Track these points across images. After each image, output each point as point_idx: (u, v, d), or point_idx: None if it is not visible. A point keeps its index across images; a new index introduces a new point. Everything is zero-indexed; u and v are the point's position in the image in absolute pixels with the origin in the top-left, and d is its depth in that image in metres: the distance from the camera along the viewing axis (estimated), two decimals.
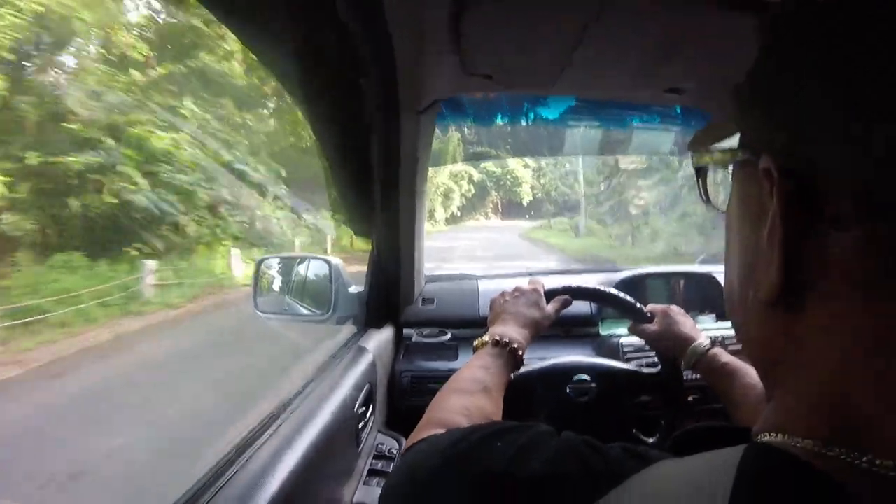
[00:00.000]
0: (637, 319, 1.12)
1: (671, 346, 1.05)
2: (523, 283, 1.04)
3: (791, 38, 0.31)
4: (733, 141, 0.37)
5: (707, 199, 0.42)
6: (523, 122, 1.38)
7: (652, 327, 1.08)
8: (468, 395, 0.74)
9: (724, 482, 0.28)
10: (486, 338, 0.89)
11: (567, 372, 1.12)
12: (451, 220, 31.67)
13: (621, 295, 1.13)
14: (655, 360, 1.18)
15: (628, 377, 1.15)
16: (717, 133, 0.38)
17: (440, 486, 0.43)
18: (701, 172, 0.41)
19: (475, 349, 0.89)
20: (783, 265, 0.30)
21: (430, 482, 0.44)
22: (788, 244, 0.30)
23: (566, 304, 1.06)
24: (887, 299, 0.26)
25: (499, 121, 1.36)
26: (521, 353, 0.88)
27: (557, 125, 1.47)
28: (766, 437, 0.31)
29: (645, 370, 1.16)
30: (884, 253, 0.26)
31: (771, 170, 0.30)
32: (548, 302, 1.03)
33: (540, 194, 34.12)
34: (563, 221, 26.51)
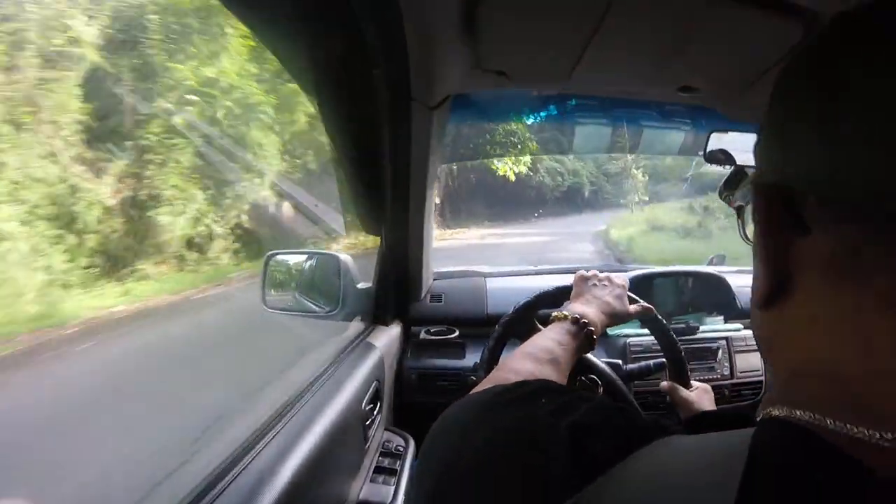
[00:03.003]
0: (678, 379, 1.12)
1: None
2: (532, 280, 1.03)
3: (780, 93, 0.37)
4: None
5: (744, 236, 0.48)
6: (535, 120, 1.37)
7: (686, 393, 1.08)
8: (538, 363, 0.76)
9: (740, 451, 0.31)
10: (566, 312, 0.90)
11: (583, 365, 1.12)
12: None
13: (683, 352, 1.14)
14: (663, 361, 1.18)
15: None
16: (749, 178, 0.45)
17: (483, 426, 0.45)
18: (740, 213, 0.48)
19: (552, 321, 0.90)
20: (768, 270, 0.36)
21: (474, 422, 0.46)
22: (769, 252, 0.36)
23: (647, 314, 1.06)
24: (852, 293, 0.31)
25: (511, 118, 1.35)
26: (595, 336, 0.88)
27: (569, 123, 1.46)
28: (774, 412, 0.35)
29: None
30: (847, 251, 0.31)
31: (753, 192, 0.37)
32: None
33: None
34: None
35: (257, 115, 8.38)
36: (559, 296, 1.14)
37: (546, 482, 0.38)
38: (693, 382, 1.13)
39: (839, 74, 0.32)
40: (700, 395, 1.08)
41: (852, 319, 0.31)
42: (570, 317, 0.88)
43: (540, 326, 1.14)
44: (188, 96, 7.85)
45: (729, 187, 0.70)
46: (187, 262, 8.05)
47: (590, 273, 1.05)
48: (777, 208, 0.34)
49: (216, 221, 8.36)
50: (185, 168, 7.82)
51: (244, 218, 8.63)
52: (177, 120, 7.66)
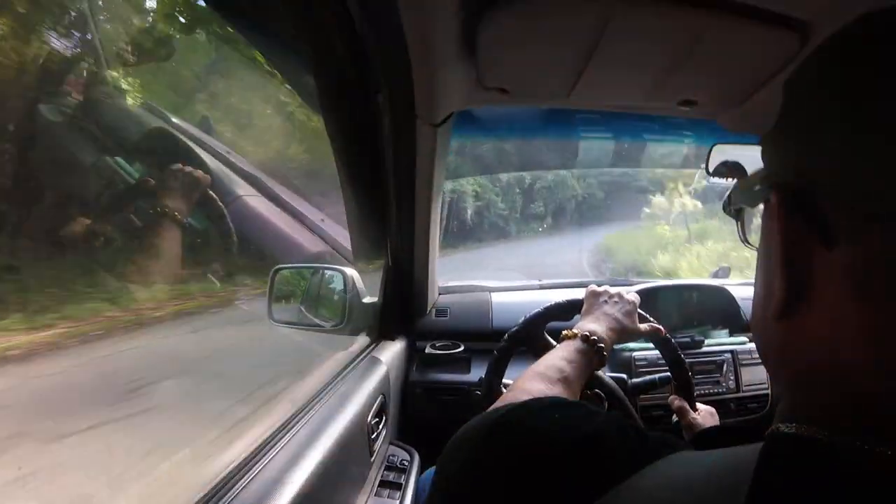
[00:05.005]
0: (687, 399, 1.12)
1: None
2: (537, 295, 1.03)
3: (805, 93, 0.36)
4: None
5: (745, 240, 0.47)
6: (538, 136, 1.39)
7: (693, 414, 1.09)
8: (549, 382, 0.77)
9: (746, 467, 0.31)
10: (576, 330, 0.90)
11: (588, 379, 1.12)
12: None
13: (690, 375, 1.15)
14: (668, 375, 1.18)
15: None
16: (752, 179, 0.42)
17: (495, 441, 0.46)
18: (739, 216, 0.47)
19: (562, 339, 0.90)
20: (785, 281, 0.35)
21: (487, 438, 0.47)
22: (789, 262, 0.34)
23: (657, 334, 1.07)
24: (879, 306, 0.30)
25: (512, 134, 1.37)
26: (605, 353, 0.89)
27: (572, 138, 1.47)
28: (782, 428, 0.34)
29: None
30: (872, 265, 0.30)
31: (772, 199, 0.36)
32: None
33: None
34: None
35: None
36: (570, 309, 1.14)
37: (556, 498, 0.38)
38: (699, 405, 1.13)
39: (873, 80, 0.30)
40: (706, 417, 1.08)
41: (876, 336, 0.30)
42: (580, 335, 0.89)
43: (550, 339, 1.15)
44: None
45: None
46: None
47: (601, 289, 1.05)
48: (799, 215, 0.33)
49: None
50: None
51: None
52: None
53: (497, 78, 0.97)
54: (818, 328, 0.33)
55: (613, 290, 1.04)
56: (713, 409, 1.12)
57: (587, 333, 0.88)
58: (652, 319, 1.08)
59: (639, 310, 1.04)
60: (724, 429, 0.63)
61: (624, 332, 0.97)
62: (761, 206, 0.41)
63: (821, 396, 0.33)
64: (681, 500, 0.33)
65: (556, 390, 0.75)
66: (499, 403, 0.69)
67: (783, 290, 0.35)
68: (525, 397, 0.70)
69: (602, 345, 0.88)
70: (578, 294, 1.09)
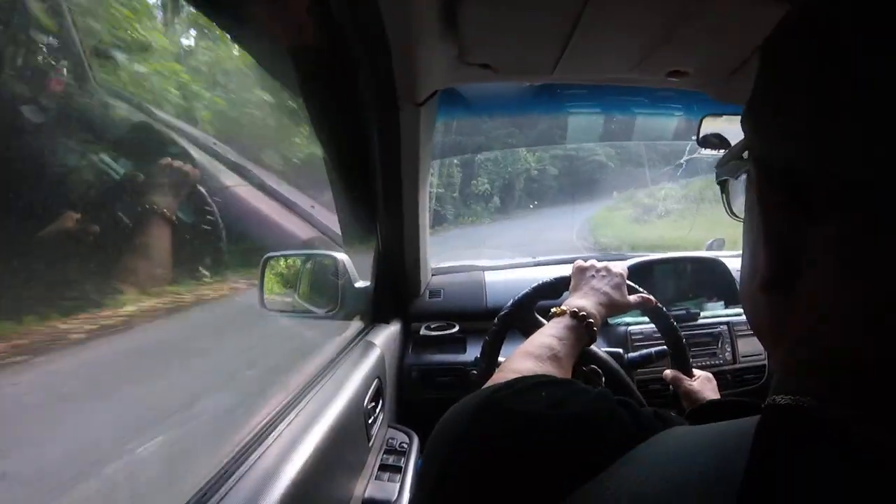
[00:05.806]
0: (680, 368, 1.12)
1: (691, 406, 1.05)
2: (530, 272, 1.02)
3: (777, 63, 0.35)
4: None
5: (730, 211, 0.47)
6: (525, 112, 1.37)
7: (690, 382, 1.08)
8: (539, 361, 0.76)
9: (745, 439, 0.30)
10: (564, 307, 0.90)
11: (584, 356, 1.11)
12: None
13: (684, 340, 1.15)
14: (664, 348, 1.18)
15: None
16: (732, 151, 0.42)
17: (481, 422, 0.45)
18: (724, 187, 0.46)
19: (552, 317, 0.90)
20: (771, 255, 0.34)
21: (472, 420, 0.46)
22: (774, 237, 0.34)
23: (647, 304, 1.06)
24: (868, 278, 0.29)
25: (499, 111, 1.35)
26: (595, 328, 0.88)
27: (560, 113, 1.45)
28: (779, 399, 0.33)
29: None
30: (858, 240, 0.29)
31: (752, 172, 0.36)
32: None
33: None
34: None
35: None
36: (557, 286, 1.14)
37: (547, 477, 0.38)
38: (695, 371, 1.13)
39: (845, 47, 0.29)
40: (703, 383, 1.08)
41: (866, 308, 0.29)
42: (568, 311, 0.88)
43: (540, 318, 1.14)
44: None
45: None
46: None
47: (588, 263, 1.04)
48: (781, 188, 0.33)
49: None
50: None
51: None
52: None
53: (480, 53, 0.95)
54: (807, 301, 0.33)
55: (600, 264, 1.04)
56: (710, 375, 1.12)
57: (576, 309, 0.88)
58: (642, 290, 1.08)
59: (628, 282, 1.04)
60: (718, 403, 0.63)
61: (613, 306, 0.97)
62: (744, 177, 0.40)
63: (813, 368, 0.33)
64: (676, 476, 0.32)
65: (546, 368, 0.75)
66: (487, 384, 0.69)
67: (769, 265, 0.34)
68: (513, 376, 0.69)
69: (591, 320, 0.87)
70: (568, 270, 1.09)
